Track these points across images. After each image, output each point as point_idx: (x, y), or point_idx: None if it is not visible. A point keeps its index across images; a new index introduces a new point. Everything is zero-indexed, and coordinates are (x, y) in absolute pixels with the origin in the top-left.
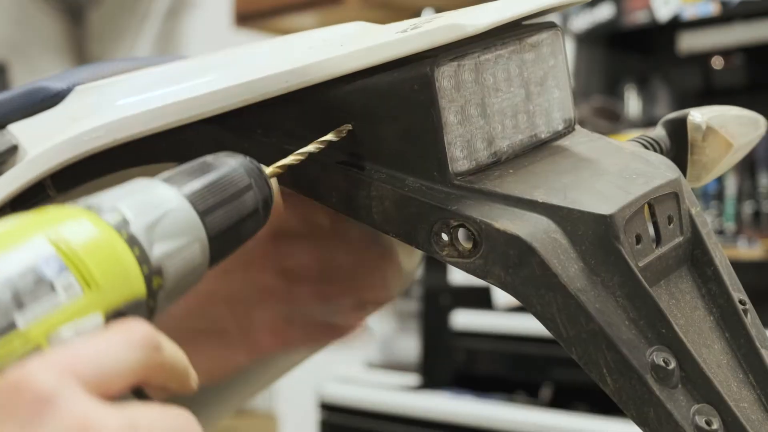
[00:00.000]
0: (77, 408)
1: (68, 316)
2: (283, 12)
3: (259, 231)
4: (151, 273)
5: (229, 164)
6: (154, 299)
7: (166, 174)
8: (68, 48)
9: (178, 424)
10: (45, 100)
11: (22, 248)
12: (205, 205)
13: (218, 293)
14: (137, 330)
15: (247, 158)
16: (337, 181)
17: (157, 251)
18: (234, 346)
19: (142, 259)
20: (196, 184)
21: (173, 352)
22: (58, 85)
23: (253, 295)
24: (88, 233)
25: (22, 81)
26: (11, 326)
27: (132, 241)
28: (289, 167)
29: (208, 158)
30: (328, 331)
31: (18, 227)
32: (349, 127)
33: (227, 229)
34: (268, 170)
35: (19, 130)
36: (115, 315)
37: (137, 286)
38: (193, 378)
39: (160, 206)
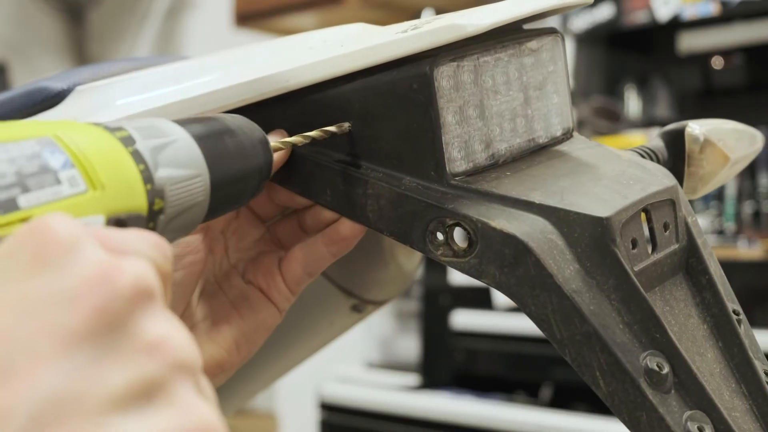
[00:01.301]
0: (99, 256)
1: (71, 210)
2: (283, 12)
3: (255, 196)
4: (154, 192)
5: (236, 121)
6: (154, 221)
7: (175, 120)
8: (68, 48)
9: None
10: (46, 100)
11: (30, 140)
12: (210, 147)
13: (225, 261)
14: (152, 234)
15: (254, 124)
16: (333, 178)
17: (161, 173)
18: (260, 306)
19: (147, 176)
20: (204, 128)
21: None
22: (58, 85)
23: (249, 248)
24: (95, 139)
25: (22, 81)
26: (12, 204)
27: (137, 157)
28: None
29: (220, 114)
30: (324, 244)
31: (28, 125)
32: (348, 124)
33: (228, 178)
34: (274, 144)
35: None
36: (116, 222)
37: (140, 200)
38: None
39: (166, 135)
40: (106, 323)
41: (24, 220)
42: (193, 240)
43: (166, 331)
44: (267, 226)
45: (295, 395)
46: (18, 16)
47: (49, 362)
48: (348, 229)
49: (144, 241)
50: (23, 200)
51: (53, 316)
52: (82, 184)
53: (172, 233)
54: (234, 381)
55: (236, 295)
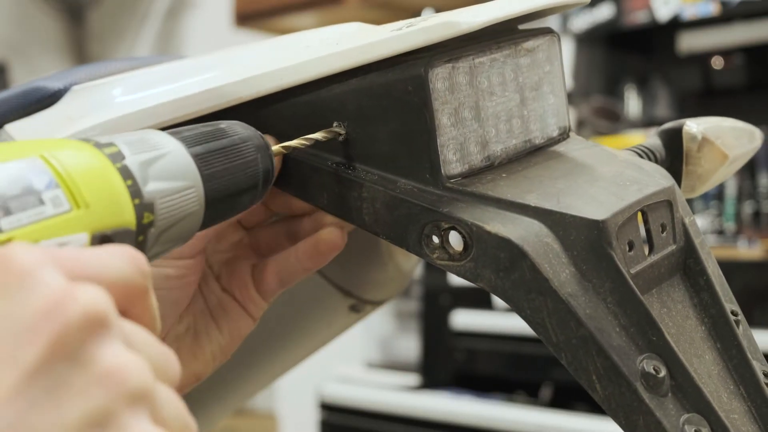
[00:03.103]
0: (55, 283)
1: (54, 230)
2: (283, 12)
3: (255, 202)
4: (143, 206)
5: (234, 128)
6: (144, 235)
7: (171, 129)
8: (68, 48)
9: (162, 348)
10: (42, 100)
11: (15, 161)
12: (205, 157)
13: (207, 269)
14: (128, 249)
15: (255, 131)
16: (328, 181)
17: (150, 187)
18: (236, 316)
19: (134, 191)
20: (199, 138)
21: (155, 302)
22: (55, 84)
23: (226, 251)
24: (82, 157)
25: (22, 81)
26: None
27: (125, 173)
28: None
29: (216, 122)
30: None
31: (15, 145)
32: (342, 127)
33: (224, 187)
34: (272, 148)
35: (16, 130)
36: (101, 239)
37: (127, 215)
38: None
39: (157, 148)
40: (59, 355)
41: (4, 242)
42: (195, 264)
43: (118, 361)
44: (247, 231)
45: (295, 395)
46: (18, 16)
47: (4, 397)
48: (326, 244)
49: (114, 258)
50: (5, 223)
51: (8, 348)
52: (66, 203)
53: (165, 244)
54: (233, 381)
55: (215, 304)
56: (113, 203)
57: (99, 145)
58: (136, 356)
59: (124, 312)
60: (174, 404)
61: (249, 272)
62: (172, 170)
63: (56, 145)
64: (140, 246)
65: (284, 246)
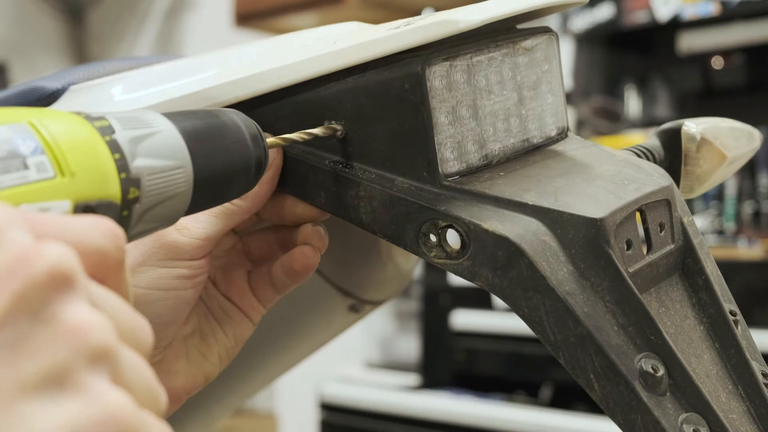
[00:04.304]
0: (22, 240)
1: (36, 195)
2: (283, 12)
3: (246, 191)
4: (129, 181)
5: (229, 115)
6: (129, 210)
7: (167, 112)
8: (68, 48)
9: (133, 316)
10: (40, 100)
11: (4, 125)
12: (197, 139)
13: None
14: (106, 221)
15: (250, 119)
16: (326, 180)
17: (138, 163)
18: (238, 320)
19: (122, 165)
20: (193, 120)
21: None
22: (53, 84)
23: (220, 256)
24: (71, 127)
25: (21, 81)
26: None
27: (113, 146)
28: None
29: (212, 108)
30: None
31: (4, 111)
32: (340, 125)
33: (214, 171)
34: (270, 139)
35: None
36: (84, 209)
37: (112, 188)
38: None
39: (149, 126)
40: (21, 310)
41: None
42: (205, 264)
43: (81, 318)
44: (239, 237)
45: (295, 395)
46: (18, 16)
47: None
48: (299, 263)
49: (90, 227)
50: None
51: None
52: (51, 170)
53: (151, 223)
54: (232, 381)
55: (216, 308)
56: (99, 174)
57: (89, 118)
58: (100, 316)
59: (99, 283)
60: (140, 369)
61: (245, 279)
62: (162, 149)
63: (46, 114)
64: (124, 220)
65: (276, 254)
